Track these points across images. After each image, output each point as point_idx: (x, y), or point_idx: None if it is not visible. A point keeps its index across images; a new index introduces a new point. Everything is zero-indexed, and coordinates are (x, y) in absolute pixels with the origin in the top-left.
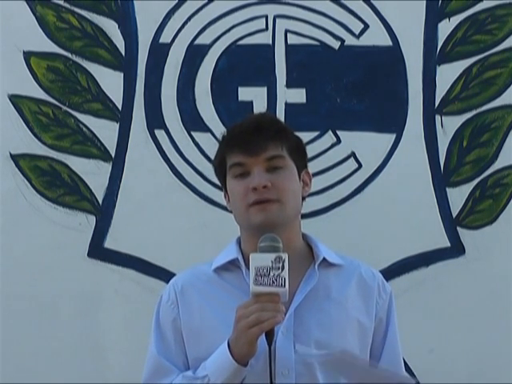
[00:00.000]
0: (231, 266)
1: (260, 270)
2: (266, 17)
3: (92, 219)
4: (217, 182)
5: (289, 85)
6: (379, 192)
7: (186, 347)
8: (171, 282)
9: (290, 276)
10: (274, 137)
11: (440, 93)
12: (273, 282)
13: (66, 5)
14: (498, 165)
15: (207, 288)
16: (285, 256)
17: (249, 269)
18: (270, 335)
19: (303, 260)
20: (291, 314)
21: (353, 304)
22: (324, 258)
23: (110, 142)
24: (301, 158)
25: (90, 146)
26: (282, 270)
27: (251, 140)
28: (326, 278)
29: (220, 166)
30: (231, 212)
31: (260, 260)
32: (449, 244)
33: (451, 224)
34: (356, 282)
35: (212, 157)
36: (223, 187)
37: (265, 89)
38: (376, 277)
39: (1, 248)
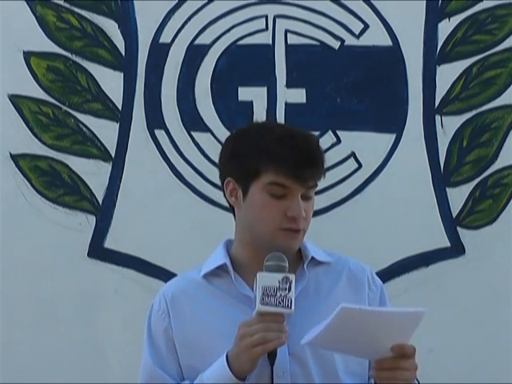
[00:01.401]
0: (220, 271)
1: (267, 289)
2: (266, 17)
3: (92, 219)
4: (217, 182)
5: (289, 85)
6: (379, 192)
7: (179, 356)
8: (162, 290)
9: None
10: (321, 168)
11: (440, 93)
12: (279, 302)
13: (66, 5)
14: (498, 165)
15: (197, 295)
16: (292, 277)
17: (238, 273)
18: (272, 355)
19: (291, 261)
20: None
21: (344, 299)
22: (312, 257)
23: (110, 142)
24: None
25: (90, 146)
26: (289, 291)
27: (307, 169)
28: (315, 277)
29: (249, 172)
30: (230, 209)
31: (267, 279)
32: (449, 244)
33: (451, 224)
34: (346, 277)
35: (212, 157)
36: (234, 180)
37: (265, 89)
38: (365, 270)
39: (1, 248)
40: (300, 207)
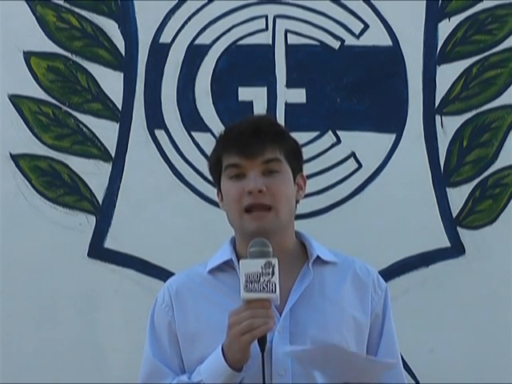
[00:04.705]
0: (226, 266)
1: (250, 276)
2: (266, 17)
3: (92, 219)
4: None
5: (289, 85)
6: (379, 192)
7: (182, 350)
8: (166, 284)
9: (285, 275)
10: (272, 140)
11: (440, 93)
12: (263, 288)
13: (66, 5)
14: (498, 165)
15: (202, 290)
16: (274, 261)
17: None
18: (262, 342)
19: (297, 259)
20: (287, 314)
21: (348, 301)
22: (318, 256)
23: (110, 142)
24: (297, 162)
25: (90, 146)
26: (272, 276)
27: (249, 142)
28: (320, 276)
29: (215, 165)
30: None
31: (250, 266)
32: (449, 244)
33: (451, 224)
34: (351, 279)
35: None
36: (217, 186)
37: (265, 89)
38: (371, 273)
39: (1, 248)
40: (255, 181)
